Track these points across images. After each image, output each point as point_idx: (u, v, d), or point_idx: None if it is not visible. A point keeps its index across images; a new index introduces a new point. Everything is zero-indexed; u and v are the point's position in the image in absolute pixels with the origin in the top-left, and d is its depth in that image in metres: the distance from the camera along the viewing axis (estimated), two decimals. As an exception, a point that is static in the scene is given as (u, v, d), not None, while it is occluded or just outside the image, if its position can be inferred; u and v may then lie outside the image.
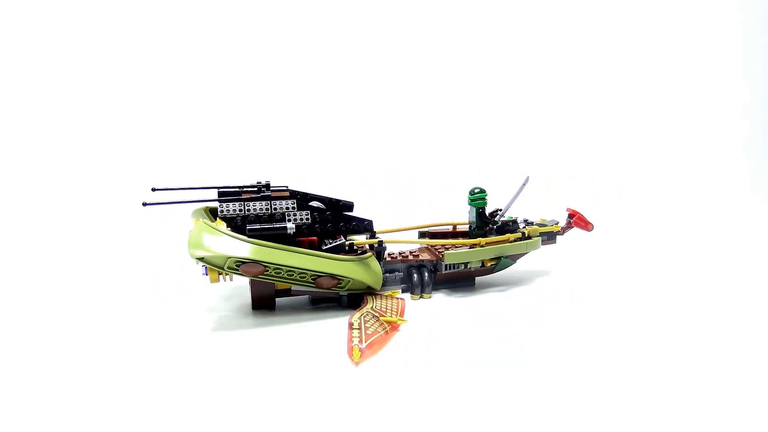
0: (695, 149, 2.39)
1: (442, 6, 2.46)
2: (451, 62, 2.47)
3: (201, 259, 1.14)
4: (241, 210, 1.25)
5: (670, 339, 1.15)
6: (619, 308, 1.32)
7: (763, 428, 0.86)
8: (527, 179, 1.40)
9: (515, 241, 1.46)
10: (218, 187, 1.30)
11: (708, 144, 2.41)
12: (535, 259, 1.67)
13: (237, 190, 1.30)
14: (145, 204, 1.22)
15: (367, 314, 1.23)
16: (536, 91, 2.48)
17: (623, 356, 1.08)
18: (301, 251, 1.21)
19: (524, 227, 1.49)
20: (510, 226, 1.47)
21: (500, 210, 1.48)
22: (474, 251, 1.40)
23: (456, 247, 1.44)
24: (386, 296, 1.35)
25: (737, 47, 2.47)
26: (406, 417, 0.89)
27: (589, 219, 1.51)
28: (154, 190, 1.27)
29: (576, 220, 1.50)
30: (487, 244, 1.43)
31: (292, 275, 1.21)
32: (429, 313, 1.29)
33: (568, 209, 1.53)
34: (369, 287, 1.33)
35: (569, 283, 1.51)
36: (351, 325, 1.18)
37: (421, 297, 1.40)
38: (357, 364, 1.06)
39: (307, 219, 1.27)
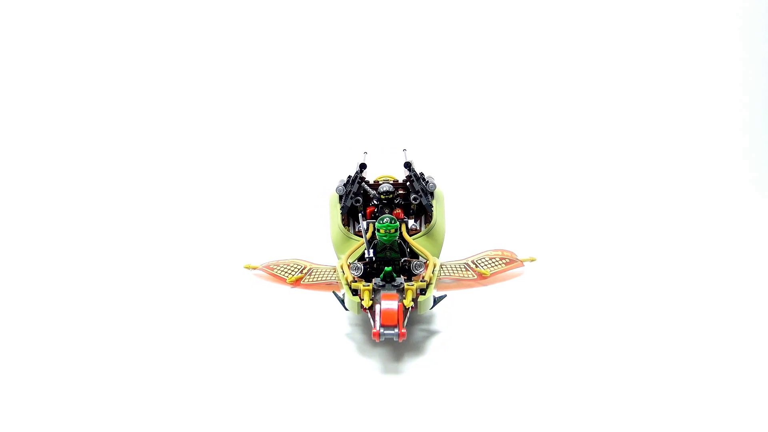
0: (695, 149, 2.40)
1: (438, 9, 2.49)
2: (448, 63, 2.49)
3: None
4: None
5: (672, 341, 1.15)
6: (619, 310, 1.31)
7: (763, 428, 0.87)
8: (362, 215, 1.27)
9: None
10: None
11: (708, 143, 2.41)
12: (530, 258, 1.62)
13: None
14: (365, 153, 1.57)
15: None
16: (536, 91, 2.47)
17: (624, 359, 1.08)
18: None
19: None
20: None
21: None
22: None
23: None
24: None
25: (737, 46, 2.46)
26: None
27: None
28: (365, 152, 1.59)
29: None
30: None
31: None
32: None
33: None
34: None
35: (567, 284, 1.49)
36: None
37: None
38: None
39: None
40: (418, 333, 1.22)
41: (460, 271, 1.49)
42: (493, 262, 1.53)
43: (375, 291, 1.10)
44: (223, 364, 1.10)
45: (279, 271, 1.53)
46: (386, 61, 2.48)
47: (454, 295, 1.42)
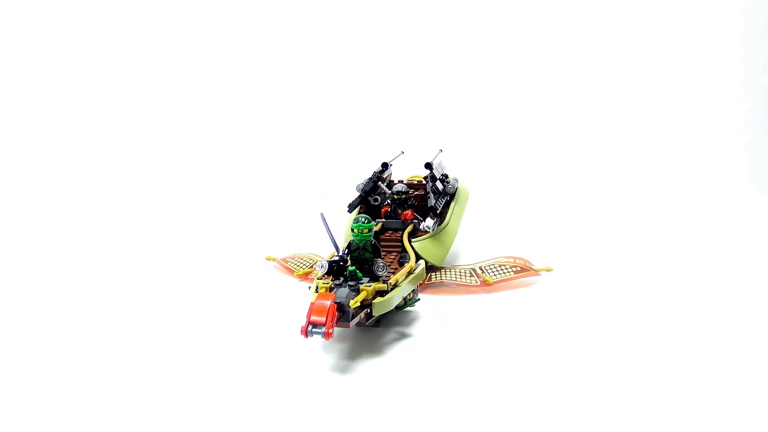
0: (695, 149, 2.39)
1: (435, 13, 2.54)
2: (483, 72, 2.53)
3: None
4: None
5: (673, 342, 1.15)
6: (619, 311, 1.31)
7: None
8: (323, 215, 1.22)
9: None
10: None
11: (708, 143, 2.40)
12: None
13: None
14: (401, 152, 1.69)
15: None
16: (535, 91, 2.48)
17: (624, 360, 1.08)
18: None
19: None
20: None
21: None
22: None
23: None
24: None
25: (737, 47, 2.42)
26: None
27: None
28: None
29: None
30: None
31: None
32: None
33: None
34: None
35: (567, 285, 1.48)
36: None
37: None
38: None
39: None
40: (390, 335, 1.22)
41: (464, 277, 1.46)
42: (502, 270, 1.48)
43: (331, 289, 1.11)
44: (195, 343, 1.18)
45: (292, 264, 1.60)
46: (426, 68, 2.55)
47: (452, 301, 1.40)
